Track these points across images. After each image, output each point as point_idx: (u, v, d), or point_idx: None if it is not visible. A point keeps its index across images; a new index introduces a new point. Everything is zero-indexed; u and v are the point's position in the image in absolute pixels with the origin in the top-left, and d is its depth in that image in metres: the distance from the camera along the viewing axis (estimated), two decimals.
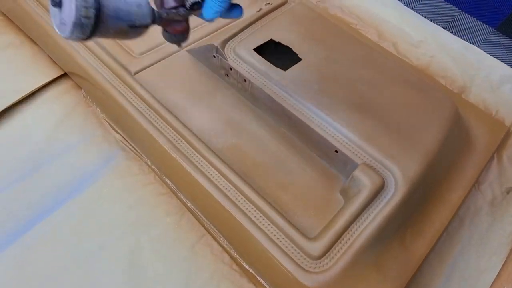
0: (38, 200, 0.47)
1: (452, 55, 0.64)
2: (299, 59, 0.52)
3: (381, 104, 0.48)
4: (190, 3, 0.33)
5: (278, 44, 0.54)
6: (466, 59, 0.63)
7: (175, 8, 0.34)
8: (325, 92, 0.48)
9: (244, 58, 0.51)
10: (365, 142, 0.44)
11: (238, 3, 0.36)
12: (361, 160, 0.44)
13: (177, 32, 0.36)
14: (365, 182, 0.41)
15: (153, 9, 0.33)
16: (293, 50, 0.52)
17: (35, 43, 0.60)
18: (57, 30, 0.31)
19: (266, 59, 0.51)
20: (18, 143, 0.51)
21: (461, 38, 0.67)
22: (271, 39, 0.54)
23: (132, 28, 0.31)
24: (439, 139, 0.47)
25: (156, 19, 0.33)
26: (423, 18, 0.69)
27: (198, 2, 0.33)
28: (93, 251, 0.44)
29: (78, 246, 0.45)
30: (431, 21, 0.69)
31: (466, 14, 1.17)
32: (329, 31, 0.57)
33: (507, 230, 0.49)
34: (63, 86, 0.57)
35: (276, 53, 0.54)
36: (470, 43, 0.67)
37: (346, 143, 0.45)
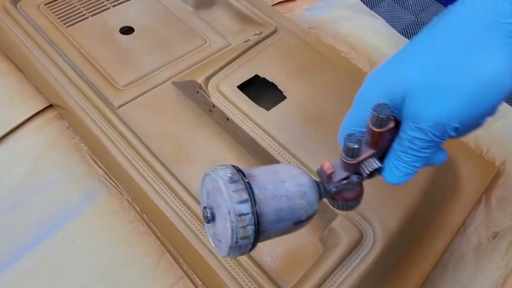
0: (16, 237, 0.47)
1: None
2: (284, 97, 0.51)
3: None
4: (368, 171, 0.26)
5: (264, 79, 0.53)
6: None
7: (346, 178, 0.27)
8: (308, 136, 0.47)
9: (227, 96, 0.50)
10: None
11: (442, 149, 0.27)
12: None
13: (348, 200, 0.29)
14: (342, 236, 0.40)
15: (318, 186, 0.27)
16: (278, 87, 0.51)
17: (22, 71, 0.60)
18: (212, 244, 0.26)
19: (250, 97, 0.50)
20: None
21: None
22: (256, 75, 0.53)
23: (299, 224, 0.26)
24: (424, 186, 0.45)
25: (322, 196, 0.27)
26: None
27: (379, 168, 0.26)
28: None
29: (54, 287, 0.45)
30: None
31: None
32: (317, 65, 0.56)
33: (491, 279, 0.48)
34: (47, 117, 0.57)
35: (262, 88, 0.53)
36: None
37: None
